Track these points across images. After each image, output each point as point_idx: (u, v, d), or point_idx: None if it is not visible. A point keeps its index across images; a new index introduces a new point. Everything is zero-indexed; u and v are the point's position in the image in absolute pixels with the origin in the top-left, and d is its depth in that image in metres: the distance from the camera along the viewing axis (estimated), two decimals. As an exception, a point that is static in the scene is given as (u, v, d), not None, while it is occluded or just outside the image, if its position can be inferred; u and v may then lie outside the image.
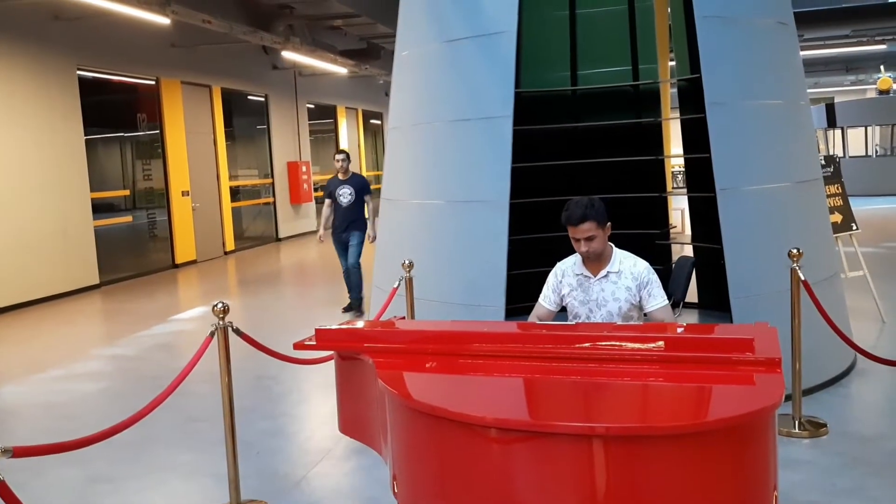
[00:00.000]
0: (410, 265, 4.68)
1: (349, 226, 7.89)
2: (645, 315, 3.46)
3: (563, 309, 3.62)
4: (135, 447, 4.37)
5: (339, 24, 15.30)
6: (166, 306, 8.91)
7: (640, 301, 3.43)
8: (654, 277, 3.44)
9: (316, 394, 5.31)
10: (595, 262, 3.45)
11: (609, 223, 3.40)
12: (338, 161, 7.94)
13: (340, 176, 7.97)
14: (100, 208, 10.44)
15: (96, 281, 10.21)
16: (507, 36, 4.83)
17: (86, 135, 10.11)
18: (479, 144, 4.98)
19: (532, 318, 3.61)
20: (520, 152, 4.86)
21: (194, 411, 4.96)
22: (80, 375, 6.05)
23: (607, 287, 3.43)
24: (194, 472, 4.08)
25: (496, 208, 4.82)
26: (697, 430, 2.00)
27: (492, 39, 4.91)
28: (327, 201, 8.03)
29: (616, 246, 3.51)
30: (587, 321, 3.46)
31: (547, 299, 3.57)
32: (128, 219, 11.22)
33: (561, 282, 3.55)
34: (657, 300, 3.42)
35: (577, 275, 3.50)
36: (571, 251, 3.55)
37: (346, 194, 7.87)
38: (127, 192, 11.30)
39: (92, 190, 10.23)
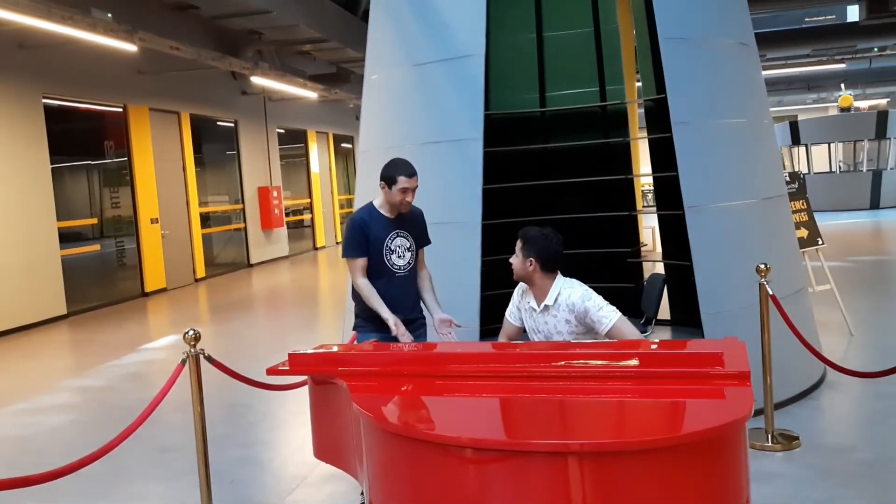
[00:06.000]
0: (383, 288, 4.65)
1: (414, 306, 3.91)
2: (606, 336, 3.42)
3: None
4: (105, 480, 4.28)
5: (307, 49, 15.36)
6: (136, 335, 8.78)
7: (591, 327, 3.37)
8: (592, 302, 3.34)
9: (290, 420, 5.25)
10: (532, 290, 3.49)
11: (533, 260, 3.39)
12: (408, 184, 3.63)
13: (389, 212, 3.73)
14: (67, 237, 10.29)
15: (64, 311, 10.03)
16: (476, 59, 4.88)
17: (52, 163, 9.98)
18: (449, 167, 5.00)
19: (501, 337, 3.66)
20: (491, 174, 4.89)
21: (166, 441, 4.88)
22: (47, 408, 5.93)
23: (550, 321, 3.46)
24: (166, 504, 4.00)
25: (468, 230, 4.84)
26: (670, 444, 2.01)
27: (460, 62, 4.96)
28: (362, 264, 3.68)
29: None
30: None
31: (512, 315, 3.65)
32: (96, 247, 11.07)
33: (520, 299, 3.61)
34: (607, 319, 3.31)
35: (529, 304, 3.54)
36: None
37: (403, 250, 3.77)
38: (95, 221, 11.16)
39: (59, 219, 10.08)
